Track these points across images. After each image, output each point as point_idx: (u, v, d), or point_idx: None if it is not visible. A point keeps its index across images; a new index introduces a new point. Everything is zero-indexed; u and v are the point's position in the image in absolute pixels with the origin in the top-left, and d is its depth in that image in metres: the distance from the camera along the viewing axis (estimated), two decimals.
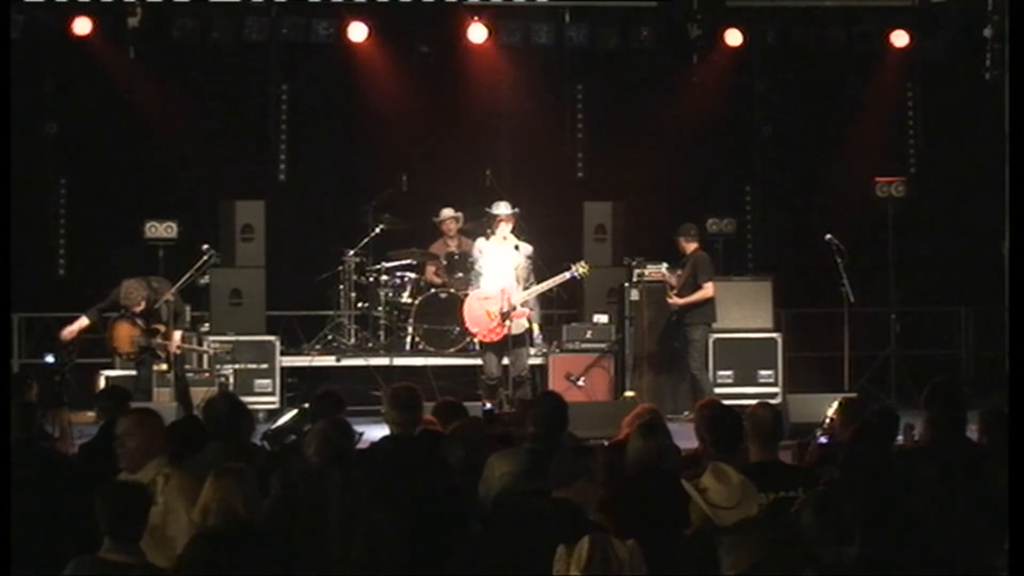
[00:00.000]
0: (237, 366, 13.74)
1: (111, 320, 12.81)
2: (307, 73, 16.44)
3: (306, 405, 8.91)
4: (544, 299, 14.09)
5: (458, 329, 14.09)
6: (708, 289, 13.93)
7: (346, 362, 14.76)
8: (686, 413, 13.10)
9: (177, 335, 12.91)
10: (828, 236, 14.61)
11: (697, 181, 16.60)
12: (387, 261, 15.15)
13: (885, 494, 6.08)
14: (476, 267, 13.42)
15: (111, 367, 13.89)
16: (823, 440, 8.10)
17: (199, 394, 12.71)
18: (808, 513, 5.24)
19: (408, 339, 14.83)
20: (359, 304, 15.19)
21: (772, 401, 10.02)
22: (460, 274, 14.45)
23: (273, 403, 14.16)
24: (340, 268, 15.15)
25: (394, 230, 15.30)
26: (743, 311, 14.71)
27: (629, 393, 13.78)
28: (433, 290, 14.79)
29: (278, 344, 14.48)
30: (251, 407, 8.11)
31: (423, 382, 13.76)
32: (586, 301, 14.90)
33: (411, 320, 14.75)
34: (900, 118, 16.97)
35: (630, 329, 14.40)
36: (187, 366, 13.52)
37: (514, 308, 12.81)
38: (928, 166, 16.83)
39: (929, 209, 16.36)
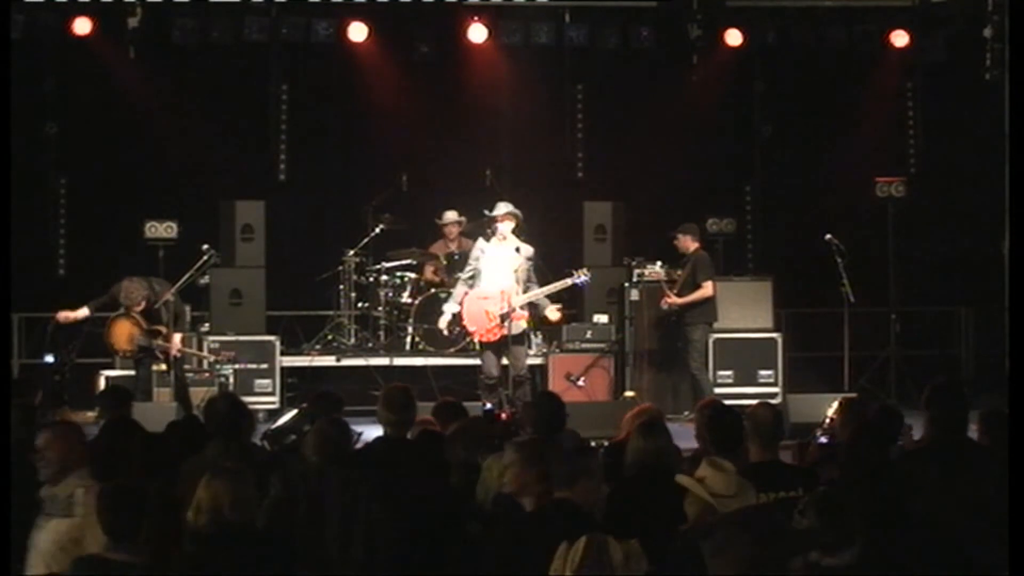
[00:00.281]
0: (237, 366, 13.74)
1: (110, 317, 12.81)
2: (307, 73, 16.43)
3: (304, 405, 8.92)
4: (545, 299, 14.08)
5: (458, 329, 14.09)
6: (707, 289, 13.93)
7: (346, 362, 14.77)
8: (686, 413, 13.10)
9: (177, 337, 12.91)
10: (828, 236, 14.63)
11: (697, 181, 16.59)
12: (387, 261, 15.17)
13: (885, 494, 6.07)
14: (472, 265, 13.15)
15: (111, 367, 13.90)
16: (823, 440, 8.11)
17: (199, 394, 12.74)
18: (810, 513, 5.24)
19: (408, 339, 14.85)
20: (359, 304, 15.20)
21: (772, 401, 10.02)
22: (460, 275, 14.44)
23: (273, 403, 14.16)
24: (340, 268, 15.16)
25: (394, 230, 15.30)
26: (743, 311, 14.71)
27: (629, 393, 13.79)
28: (433, 290, 14.80)
29: (278, 344, 14.49)
30: (251, 407, 8.10)
31: (423, 382, 13.82)
32: (586, 301, 14.89)
33: (411, 320, 14.77)
34: (900, 118, 16.98)
35: (630, 329, 14.41)
36: (187, 366, 13.53)
37: (513, 310, 12.80)
38: (928, 166, 16.82)
39: (929, 209, 16.33)
